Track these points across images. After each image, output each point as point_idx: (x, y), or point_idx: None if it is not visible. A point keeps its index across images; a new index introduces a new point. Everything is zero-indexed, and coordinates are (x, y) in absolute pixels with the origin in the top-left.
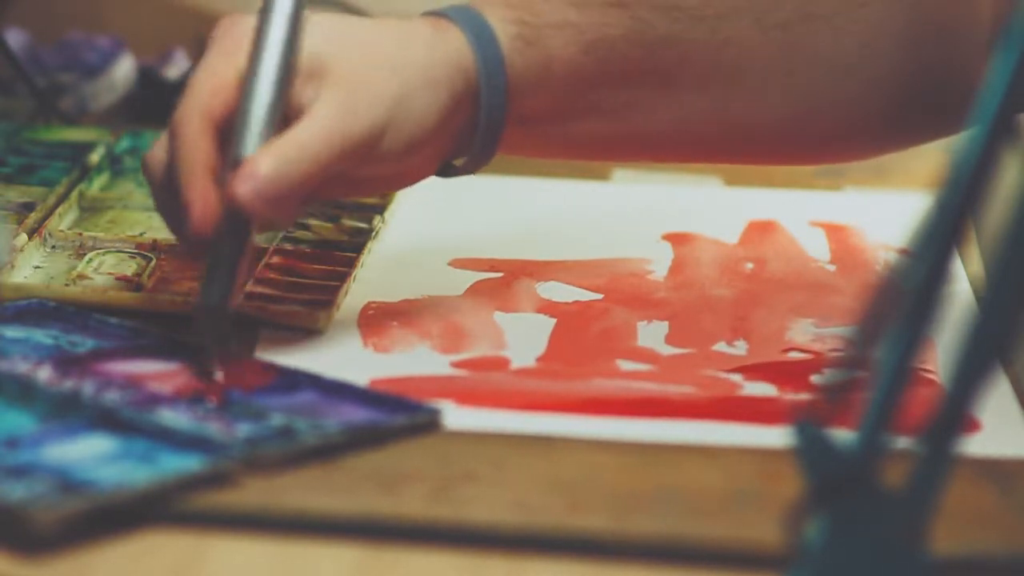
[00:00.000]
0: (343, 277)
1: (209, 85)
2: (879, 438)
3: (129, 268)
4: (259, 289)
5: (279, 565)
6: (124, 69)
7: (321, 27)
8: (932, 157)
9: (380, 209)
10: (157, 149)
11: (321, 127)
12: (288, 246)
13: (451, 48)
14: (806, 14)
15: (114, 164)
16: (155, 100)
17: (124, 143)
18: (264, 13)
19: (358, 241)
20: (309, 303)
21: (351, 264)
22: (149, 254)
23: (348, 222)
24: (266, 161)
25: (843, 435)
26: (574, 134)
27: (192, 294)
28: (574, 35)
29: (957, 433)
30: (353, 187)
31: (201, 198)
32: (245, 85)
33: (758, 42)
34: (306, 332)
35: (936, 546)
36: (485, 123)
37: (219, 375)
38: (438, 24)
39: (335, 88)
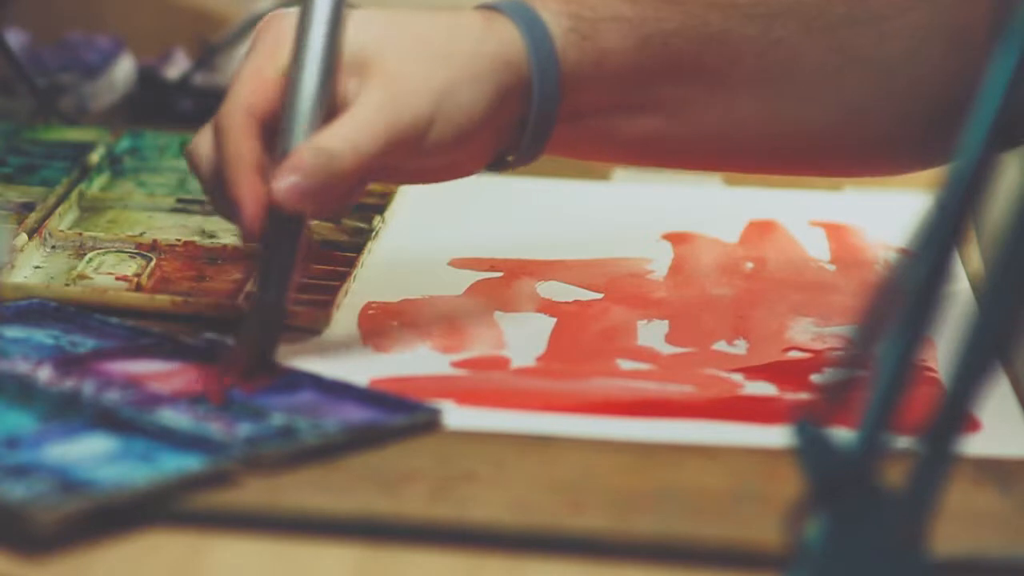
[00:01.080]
0: (343, 277)
1: (252, 83)
2: (879, 438)
3: (129, 268)
4: None
5: (279, 565)
6: (124, 69)
7: (366, 21)
8: None
9: (380, 209)
10: (201, 144)
11: (365, 119)
12: None
13: (501, 41)
14: (852, 19)
15: (114, 164)
16: (155, 100)
17: (124, 143)
18: (305, 8)
19: (358, 241)
20: (309, 303)
21: (351, 264)
22: (149, 254)
23: (348, 222)
24: (307, 156)
25: (843, 435)
26: (624, 132)
27: (192, 294)
28: (628, 29)
29: (957, 433)
30: (402, 178)
31: (250, 196)
32: (289, 81)
33: (806, 44)
34: (306, 332)
35: (936, 546)
36: (536, 117)
37: (247, 373)
38: (490, 16)
39: (379, 81)
